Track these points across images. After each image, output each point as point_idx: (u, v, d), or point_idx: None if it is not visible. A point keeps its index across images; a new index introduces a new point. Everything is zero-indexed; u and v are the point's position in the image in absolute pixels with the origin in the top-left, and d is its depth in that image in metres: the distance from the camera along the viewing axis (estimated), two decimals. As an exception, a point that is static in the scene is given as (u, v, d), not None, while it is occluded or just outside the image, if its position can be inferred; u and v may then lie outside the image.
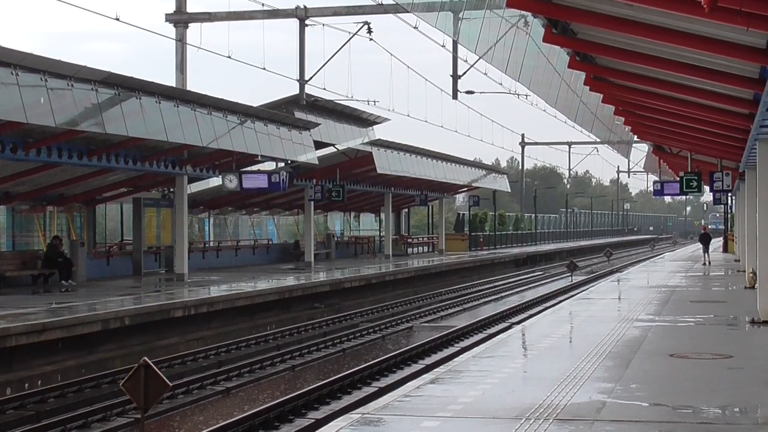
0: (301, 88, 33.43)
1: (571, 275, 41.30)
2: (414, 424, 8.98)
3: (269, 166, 32.22)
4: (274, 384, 17.32)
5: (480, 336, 22.91)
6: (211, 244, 39.68)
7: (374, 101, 36.49)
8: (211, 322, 23.01)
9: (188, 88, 32.15)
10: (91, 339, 18.75)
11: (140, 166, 25.88)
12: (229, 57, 29.70)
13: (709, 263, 38.65)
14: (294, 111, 33.15)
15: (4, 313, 18.40)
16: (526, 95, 36.46)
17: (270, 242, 43.52)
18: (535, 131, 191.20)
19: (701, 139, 21.68)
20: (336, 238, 48.10)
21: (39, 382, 16.47)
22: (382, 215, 50.46)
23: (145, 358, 9.32)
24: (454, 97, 34.05)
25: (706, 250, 40.28)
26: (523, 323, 19.48)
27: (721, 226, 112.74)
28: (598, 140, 59.17)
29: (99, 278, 28.45)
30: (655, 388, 10.68)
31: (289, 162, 32.31)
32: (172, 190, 30.88)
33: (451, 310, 29.76)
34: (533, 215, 78.62)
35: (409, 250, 53.03)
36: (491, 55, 21.91)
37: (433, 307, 30.13)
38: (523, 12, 17.17)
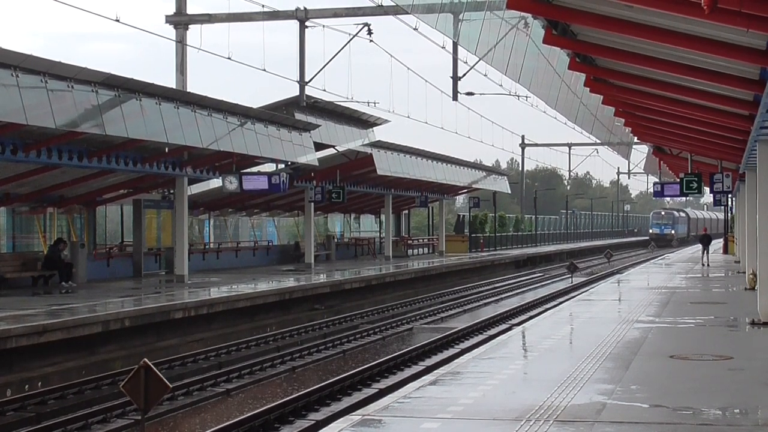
0: (302, 89, 33.43)
1: (572, 277, 41.30)
2: (414, 426, 8.98)
3: (269, 167, 32.22)
4: (274, 385, 17.33)
5: (480, 337, 22.91)
6: (212, 245, 39.68)
7: (374, 103, 36.58)
8: (211, 324, 23.01)
9: (188, 90, 32.17)
10: (92, 340, 18.75)
11: (140, 168, 25.88)
12: (229, 58, 29.72)
13: (708, 264, 38.65)
14: (294, 112, 33.15)
15: (5, 314, 18.40)
16: (527, 97, 36.50)
17: (270, 244, 43.52)
18: (536, 133, 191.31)
19: (701, 141, 21.69)
20: (336, 240, 48.11)
21: (39, 383, 16.46)
22: (383, 217, 50.47)
23: (146, 359, 9.32)
24: (454, 98, 34.04)
25: (705, 250, 40.31)
26: (523, 325, 19.48)
27: (668, 230, 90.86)
28: (599, 142, 59.16)
29: (99, 280, 28.45)
30: (655, 390, 10.68)
31: (289, 163, 32.31)
32: (172, 191, 30.88)
33: (451, 312, 29.76)
34: (533, 216, 78.59)
35: (410, 251, 53.01)
36: (491, 56, 21.91)
37: (434, 309, 30.14)
38: (523, 13, 17.18)
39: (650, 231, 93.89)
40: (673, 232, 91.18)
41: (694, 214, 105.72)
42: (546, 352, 13.93)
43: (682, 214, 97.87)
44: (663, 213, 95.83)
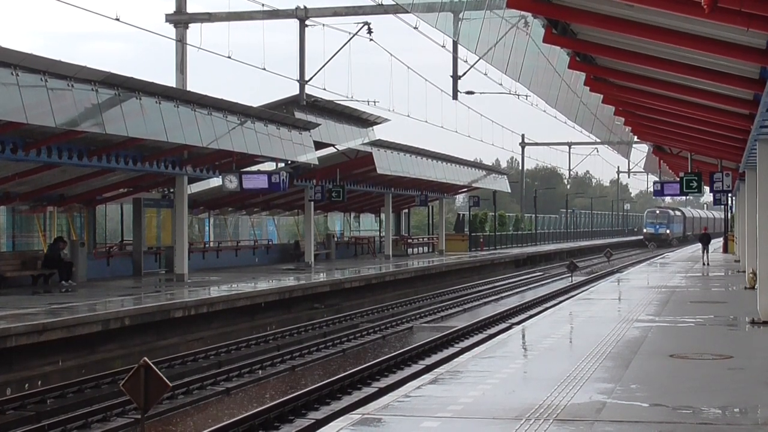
0: (302, 88, 33.44)
1: (571, 276, 41.30)
2: (414, 425, 8.98)
3: (269, 166, 32.22)
4: (274, 384, 17.33)
5: (480, 336, 22.91)
6: (211, 244, 39.68)
7: (374, 101, 36.52)
8: (211, 323, 23.01)
9: (188, 89, 32.16)
10: (92, 339, 18.75)
11: (140, 167, 25.87)
12: (229, 57, 29.73)
13: (708, 263, 38.66)
14: (294, 111, 33.15)
15: (4, 313, 18.39)
16: (527, 96, 36.49)
17: (270, 243, 43.52)
18: (535, 132, 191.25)
19: (701, 140, 21.69)
20: (336, 239, 48.11)
21: (39, 382, 16.47)
22: (382, 216, 50.47)
23: (145, 358, 9.32)
24: (454, 97, 34.07)
25: (705, 250, 40.33)
26: (523, 324, 19.48)
27: (663, 229, 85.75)
28: (598, 141, 59.17)
29: (99, 278, 28.45)
30: (655, 389, 10.68)
31: (289, 162, 32.31)
32: (172, 190, 30.89)
33: (451, 311, 29.76)
34: (533, 216, 78.61)
35: (409, 250, 53.03)
36: (491, 55, 21.92)
37: (434, 308, 30.14)
38: (523, 12, 17.18)
39: (644, 230, 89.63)
40: (668, 231, 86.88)
41: (690, 213, 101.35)
42: (546, 351, 13.93)
43: (678, 213, 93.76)
44: (658, 212, 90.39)
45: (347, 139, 37.99)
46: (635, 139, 39.29)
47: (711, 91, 14.56)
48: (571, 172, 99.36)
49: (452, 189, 54.12)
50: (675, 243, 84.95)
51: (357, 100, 36.27)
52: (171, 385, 9.50)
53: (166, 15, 35.09)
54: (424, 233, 62.96)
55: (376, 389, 15.86)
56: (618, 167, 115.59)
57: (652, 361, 12.72)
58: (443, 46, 30.08)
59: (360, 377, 16.89)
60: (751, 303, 18.69)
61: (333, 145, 36.53)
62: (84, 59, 28.04)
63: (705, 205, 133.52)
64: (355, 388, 16.30)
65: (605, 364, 12.31)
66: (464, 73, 33.25)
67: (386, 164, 38.97)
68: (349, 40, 32.83)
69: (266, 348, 21.32)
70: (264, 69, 30.96)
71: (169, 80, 34.20)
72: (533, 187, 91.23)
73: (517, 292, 37.55)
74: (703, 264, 38.59)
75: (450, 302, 32.10)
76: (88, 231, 30.57)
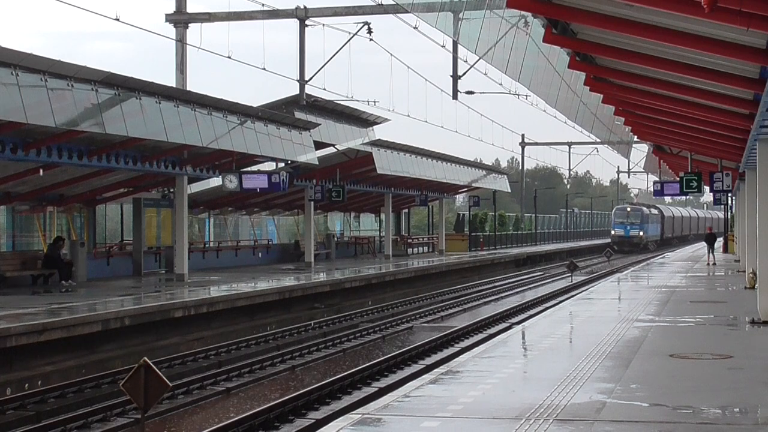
0: (301, 88, 33.45)
1: (571, 275, 41.30)
2: (414, 425, 8.98)
3: (269, 166, 32.22)
4: (274, 384, 17.33)
5: (480, 336, 22.92)
6: (211, 244, 39.68)
7: (374, 101, 36.57)
8: (211, 323, 23.01)
9: (188, 89, 32.16)
10: (92, 339, 18.75)
11: (140, 167, 25.87)
12: (229, 57, 29.73)
13: (714, 263, 38.56)
14: (294, 111, 33.16)
15: (4, 313, 18.39)
16: (526, 95, 36.53)
17: (270, 242, 43.53)
18: (535, 131, 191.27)
19: (701, 140, 21.70)
20: (336, 239, 48.11)
21: (39, 382, 16.47)
22: (382, 215, 50.47)
23: (145, 358, 9.32)
24: (454, 97, 34.09)
25: (711, 249, 40.23)
26: (523, 323, 19.49)
27: (635, 230, 72.08)
28: (598, 140, 59.21)
29: (99, 278, 28.44)
30: (655, 389, 10.68)
31: (289, 162, 32.32)
32: (172, 190, 30.88)
33: (451, 311, 29.76)
34: (533, 215, 78.59)
35: (409, 250, 53.03)
36: (491, 55, 21.95)
37: (434, 308, 30.14)
38: (523, 12, 17.20)
39: (612, 232, 74.90)
40: (641, 233, 72.54)
41: (670, 212, 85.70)
42: (546, 350, 13.94)
43: (654, 211, 78.16)
44: (629, 209, 74.51)
45: (347, 138, 38.00)
46: (635, 138, 39.32)
47: (711, 90, 14.57)
48: (571, 172, 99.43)
49: (452, 189, 54.12)
50: (652, 248, 73.79)
51: (357, 100, 36.34)
52: (171, 384, 9.51)
53: (166, 15, 35.11)
54: (424, 233, 62.96)
55: (376, 389, 15.87)
56: (618, 167, 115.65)
57: (652, 361, 12.72)
58: (443, 46, 30.14)
59: (360, 377, 16.90)
60: (751, 303, 18.69)
61: (333, 145, 36.54)
62: (84, 59, 28.04)
63: (705, 205, 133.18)
64: (355, 387, 16.31)
65: (605, 364, 12.31)
66: (464, 73, 33.30)
67: (386, 164, 38.97)
68: (349, 40, 32.88)
69: (266, 348, 21.32)
70: (264, 69, 31.00)
71: (169, 80, 34.25)
72: (533, 187, 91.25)
73: (517, 292, 37.56)
74: (708, 264, 38.50)
75: (450, 302, 32.10)
76: (88, 231, 30.57)
